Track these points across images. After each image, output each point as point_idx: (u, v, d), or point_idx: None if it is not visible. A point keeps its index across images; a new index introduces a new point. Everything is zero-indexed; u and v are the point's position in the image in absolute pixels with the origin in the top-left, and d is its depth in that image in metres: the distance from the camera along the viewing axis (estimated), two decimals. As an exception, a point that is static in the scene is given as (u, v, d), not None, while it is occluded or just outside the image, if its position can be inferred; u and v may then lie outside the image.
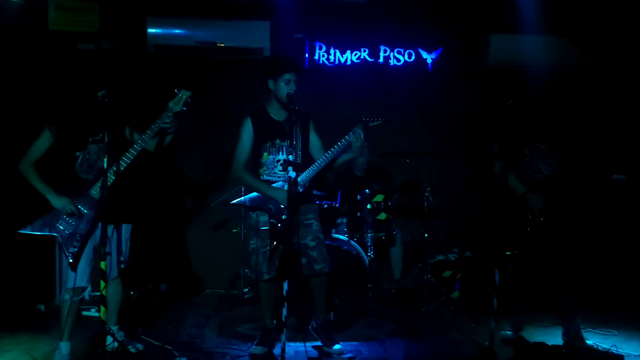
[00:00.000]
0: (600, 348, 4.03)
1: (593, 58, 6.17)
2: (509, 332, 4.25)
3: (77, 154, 3.80)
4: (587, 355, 3.90)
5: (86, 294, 3.91)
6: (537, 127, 4.17)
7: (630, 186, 5.88)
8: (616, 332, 4.54)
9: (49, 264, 5.29)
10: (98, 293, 4.81)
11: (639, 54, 5.96)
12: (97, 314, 4.62)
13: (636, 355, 4.00)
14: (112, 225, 3.87)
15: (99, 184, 3.68)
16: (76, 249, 3.67)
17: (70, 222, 3.71)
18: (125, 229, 4.00)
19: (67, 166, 3.80)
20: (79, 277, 3.70)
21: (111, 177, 3.66)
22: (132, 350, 3.91)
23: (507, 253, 4.04)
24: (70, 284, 3.72)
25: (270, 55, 5.81)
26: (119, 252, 3.94)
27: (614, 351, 3.98)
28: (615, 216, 6.05)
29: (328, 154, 3.88)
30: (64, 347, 3.75)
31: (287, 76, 3.85)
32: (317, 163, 3.90)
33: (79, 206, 3.72)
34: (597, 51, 6.15)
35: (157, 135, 3.87)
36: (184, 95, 3.84)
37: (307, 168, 3.91)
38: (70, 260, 3.66)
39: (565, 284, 4.08)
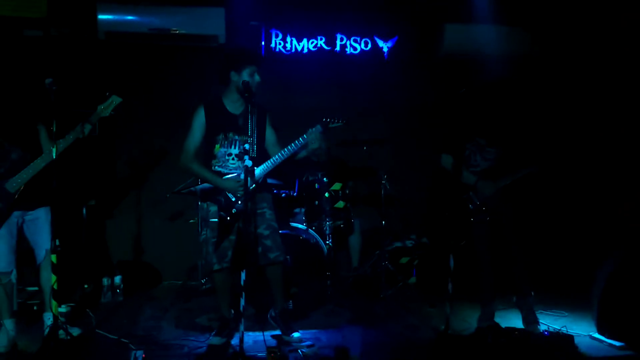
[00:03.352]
0: (551, 329, 4.15)
1: (545, 48, 6.32)
2: (479, 321, 4.34)
3: None
4: (540, 337, 4.02)
5: (13, 277, 3.89)
6: (478, 122, 4.27)
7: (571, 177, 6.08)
8: (566, 313, 4.69)
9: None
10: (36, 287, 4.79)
11: (589, 44, 6.13)
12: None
13: (585, 335, 4.14)
14: (20, 212, 3.83)
15: (15, 178, 3.71)
16: None
17: None
18: (45, 212, 3.92)
19: None
20: (2, 263, 3.73)
21: (28, 171, 3.69)
22: (62, 335, 3.79)
23: (461, 243, 4.14)
24: None
25: (233, 47, 5.71)
26: (42, 237, 3.89)
27: (564, 331, 4.12)
28: (561, 203, 6.24)
29: (284, 151, 3.87)
30: (9, 324, 3.79)
31: (252, 68, 3.83)
32: (273, 159, 3.90)
33: None
34: (550, 42, 6.29)
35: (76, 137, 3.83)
36: (114, 100, 3.87)
37: (262, 163, 3.89)
38: None
39: (514, 264, 4.20)
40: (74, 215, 4.19)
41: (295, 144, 3.85)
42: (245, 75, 3.82)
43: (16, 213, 3.80)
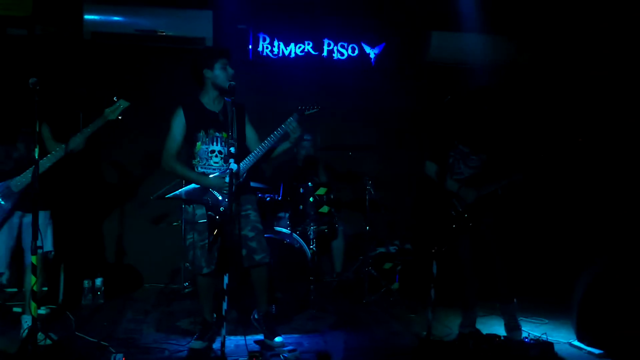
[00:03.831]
0: (531, 336, 4.18)
1: (530, 57, 6.39)
2: (460, 328, 4.36)
3: None
4: (520, 343, 4.05)
5: (3, 279, 3.85)
6: (461, 130, 4.30)
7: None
8: (547, 320, 4.73)
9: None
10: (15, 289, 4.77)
11: (575, 52, 6.21)
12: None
13: (565, 342, 4.18)
14: (21, 212, 3.80)
15: (20, 178, 3.68)
16: None
17: None
18: (43, 215, 3.89)
19: None
20: None
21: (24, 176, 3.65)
22: (45, 341, 3.75)
23: (442, 249, 4.16)
24: None
25: (202, 49, 5.70)
26: (34, 239, 3.83)
27: (544, 339, 4.15)
28: (541, 210, 6.30)
29: (265, 143, 3.86)
30: None
31: (223, 61, 3.84)
32: (254, 153, 3.88)
33: None
34: (535, 50, 6.36)
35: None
36: (122, 104, 3.89)
37: (244, 159, 3.87)
38: None
39: (497, 270, 4.23)
40: (58, 216, 4.16)
41: (274, 135, 3.85)
42: (217, 70, 3.83)
43: (18, 213, 3.77)
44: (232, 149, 3.56)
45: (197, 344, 3.92)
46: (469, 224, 4.22)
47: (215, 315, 4.07)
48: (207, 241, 3.82)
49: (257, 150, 3.88)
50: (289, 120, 3.87)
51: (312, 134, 5.81)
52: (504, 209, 4.32)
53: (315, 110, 3.96)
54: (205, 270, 3.87)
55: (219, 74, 3.83)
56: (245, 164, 3.88)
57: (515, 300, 4.28)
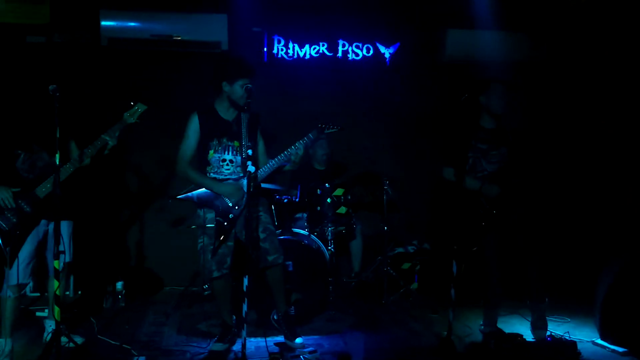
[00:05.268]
0: (554, 334, 4.14)
1: (548, 54, 6.32)
2: (482, 327, 4.32)
3: (18, 151, 3.77)
4: (543, 343, 4.01)
5: (27, 290, 3.88)
6: (476, 129, 4.25)
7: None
8: (569, 319, 4.68)
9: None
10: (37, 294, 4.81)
11: (592, 49, 6.14)
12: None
13: (588, 341, 4.13)
14: (46, 221, 3.82)
15: (45, 184, 3.71)
16: (13, 246, 3.64)
17: (10, 218, 3.65)
18: (67, 225, 3.94)
19: (8, 163, 3.76)
20: (21, 274, 3.67)
21: (49, 182, 3.67)
22: (69, 344, 3.79)
23: (472, 250, 4.13)
24: (12, 281, 3.67)
25: (226, 58, 5.72)
26: (56, 244, 3.86)
27: (567, 337, 4.11)
28: (562, 208, 6.23)
29: (280, 157, 3.93)
30: (6, 344, 3.69)
31: (244, 81, 3.83)
32: (269, 165, 3.95)
33: (22, 203, 3.68)
34: (552, 47, 6.30)
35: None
36: (140, 108, 3.92)
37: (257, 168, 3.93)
38: (7, 257, 3.63)
39: (529, 268, 4.16)
40: (80, 222, 4.21)
41: (291, 149, 3.92)
42: (237, 87, 3.85)
43: (43, 221, 3.80)
44: (250, 152, 3.57)
45: (217, 346, 3.94)
46: (498, 220, 4.15)
47: (234, 317, 4.09)
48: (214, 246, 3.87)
49: (273, 161, 3.95)
50: (307, 136, 3.95)
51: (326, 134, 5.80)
52: (534, 202, 4.25)
53: (335, 129, 4.06)
54: (215, 274, 3.89)
55: (237, 90, 3.85)
56: (260, 174, 3.93)
57: (547, 299, 4.23)
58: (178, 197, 4.16)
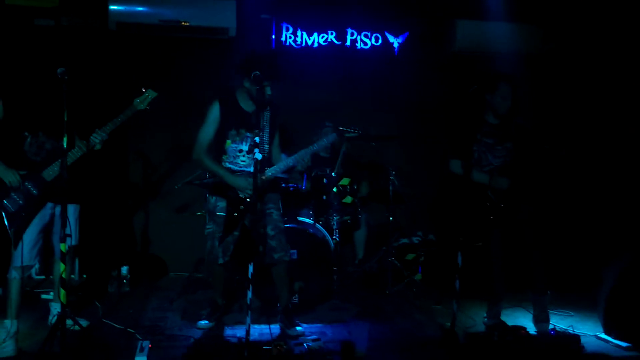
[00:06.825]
0: (558, 328, 4.14)
1: (558, 46, 6.27)
2: (485, 319, 4.33)
3: (25, 134, 3.77)
4: (546, 336, 4.01)
5: (33, 272, 3.89)
6: (481, 124, 4.22)
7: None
8: (572, 313, 4.68)
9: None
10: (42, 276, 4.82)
11: (603, 41, 6.08)
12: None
13: (591, 335, 4.13)
14: (52, 204, 3.83)
15: (52, 167, 3.72)
16: (19, 227, 3.65)
17: (17, 200, 3.66)
18: (73, 209, 3.96)
19: (16, 145, 3.76)
20: (26, 256, 3.68)
21: (56, 166, 3.68)
22: (74, 327, 3.80)
23: (477, 244, 4.12)
24: (17, 263, 3.68)
25: (250, 52, 5.65)
26: (63, 227, 3.87)
27: (570, 331, 4.11)
28: (566, 203, 6.21)
29: (297, 155, 3.97)
30: (12, 325, 3.71)
31: (266, 82, 3.76)
32: (285, 162, 3.98)
33: (29, 185, 3.70)
34: (563, 40, 6.24)
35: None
36: (150, 94, 3.93)
37: (270, 162, 3.98)
38: (12, 238, 3.64)
39: (533, 261, 4.16)
40: (86, 207, 4.23)
41: (310, 149, 3.99)
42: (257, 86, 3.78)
43: (49, 204, 3.82)
44: (257, 139, 3.56)
45: (203, 324, 4.12)
46: (506, 214, 4.14)
47: (224, 300, 4.28)
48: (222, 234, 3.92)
49: (289, 159, 3.98)
50: (327, 137, 4.07)
51: (332, 122, 5.78)
52: (543, 196, 4.23)
53: (354, 134, 4.15)
54: (220, 261, 3.98)
55: (257, 89, 3.77)
56: (274, 171, 3.95)
57: (549, 292, 4.23)
58: (194, 182, 4.21)
